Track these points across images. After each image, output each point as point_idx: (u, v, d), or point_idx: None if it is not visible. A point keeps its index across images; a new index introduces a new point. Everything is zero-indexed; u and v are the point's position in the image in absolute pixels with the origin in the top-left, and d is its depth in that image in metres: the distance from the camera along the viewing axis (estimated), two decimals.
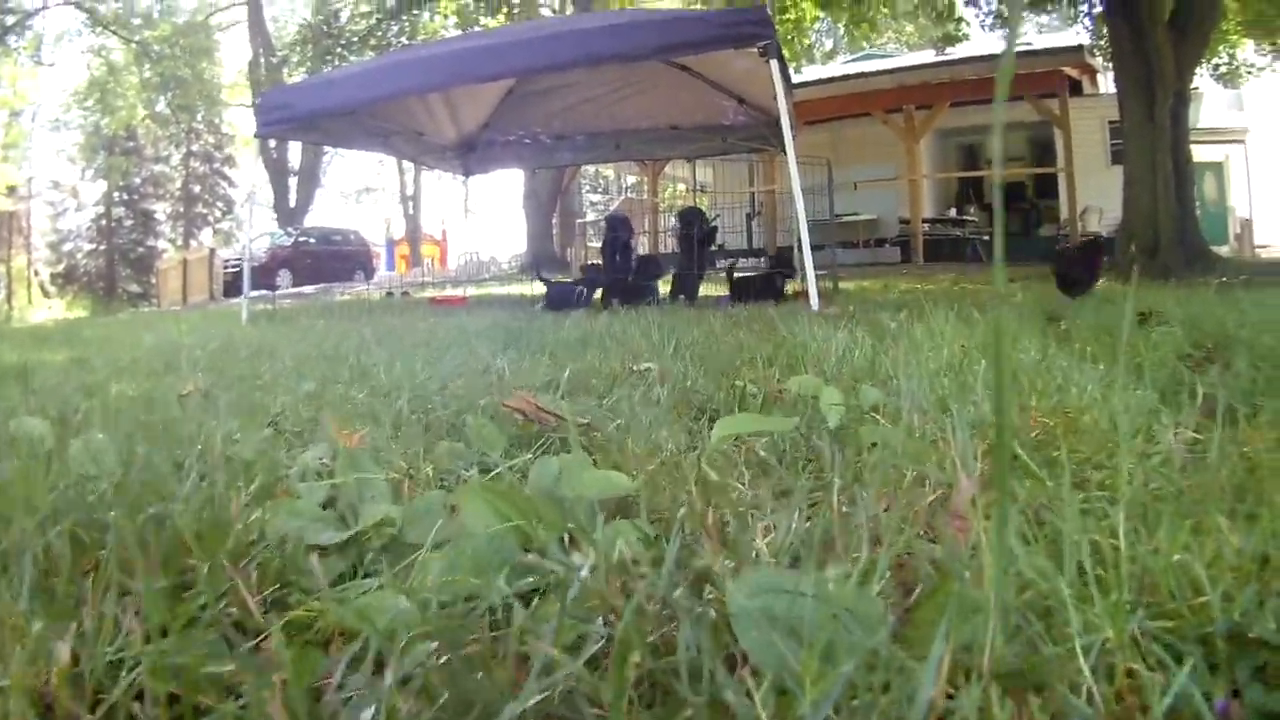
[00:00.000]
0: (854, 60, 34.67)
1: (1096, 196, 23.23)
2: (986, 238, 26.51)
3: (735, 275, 12.40)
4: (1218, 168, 31.61)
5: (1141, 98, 17.05)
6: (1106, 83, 25.90)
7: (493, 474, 2.11)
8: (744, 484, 1.90)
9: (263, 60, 50.54)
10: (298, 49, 48.72)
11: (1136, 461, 1.90)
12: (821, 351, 3.85)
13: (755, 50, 9.97)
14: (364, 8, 47.00)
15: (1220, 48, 27.34)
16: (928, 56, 29.74)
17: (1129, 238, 16.69)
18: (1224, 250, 25.25)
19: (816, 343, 4.19)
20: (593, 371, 3.68)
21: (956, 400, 2.44)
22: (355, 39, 45.38)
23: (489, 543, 1.51)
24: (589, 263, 17.99)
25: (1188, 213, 17.36)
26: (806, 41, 28.59)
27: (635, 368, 3.71)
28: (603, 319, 7.08)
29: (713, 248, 14.25)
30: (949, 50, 27.26)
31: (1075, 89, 27.32)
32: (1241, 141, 32.23)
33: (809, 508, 1.71)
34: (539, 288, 12.85)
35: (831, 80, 29.03)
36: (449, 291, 19.75)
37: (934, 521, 1.63)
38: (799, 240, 9.97)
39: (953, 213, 29.24)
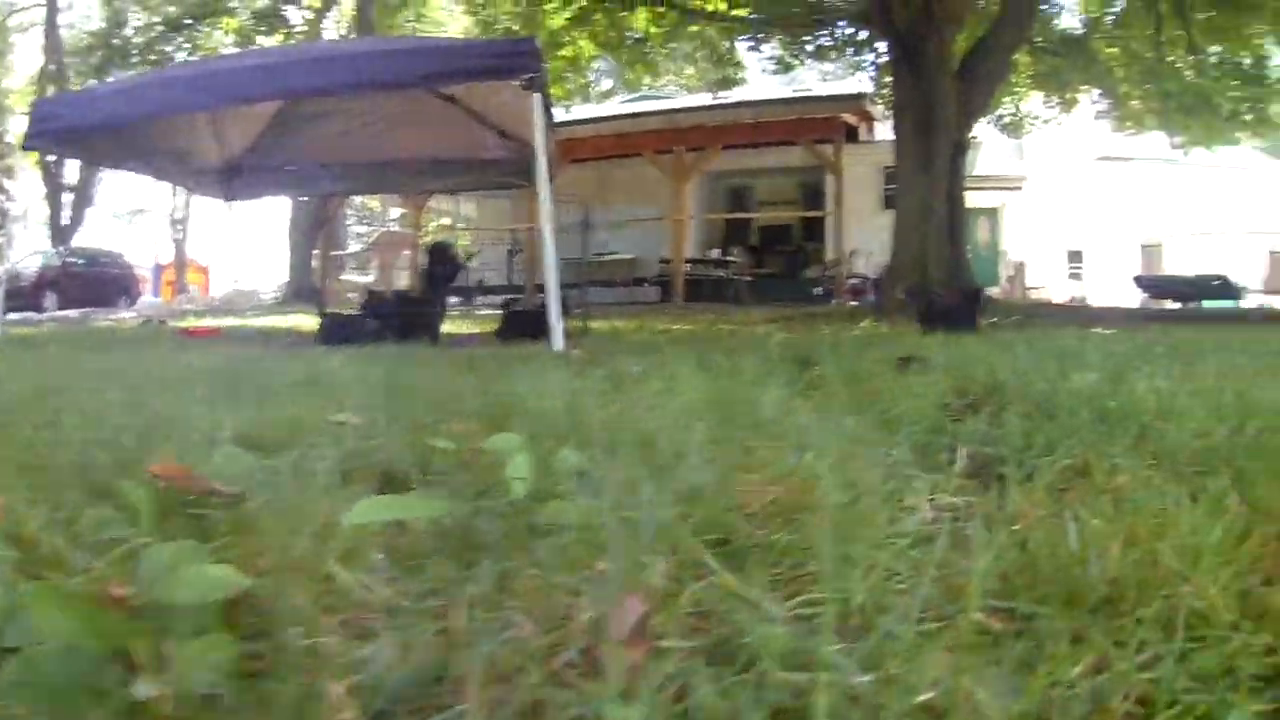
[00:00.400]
0: (630, 100, 34.77)
1: (866, 240, 23.82)
2: (749, 279, 26.89)
3: (511, 310, 12.17)
4: (994, 213, 33.27)
5: (920, 145, 17.39)
6: (885, 129, 26.39)
7: (115, 555, 1.68)
8: (382, 585, 1.50)
9: (52, 67, 48.79)
10: (80, 58, 47.05)
11: (878, 548, 1.56)
12: (543, 401, 3.46)
13: (520, 83, 9.77)
14: (153, 19, 45.56)
15: (1007, 99, 28.15)
16: (703, 99, 30.03)
17: (896, 280, 16.85)
18: (995, 292, 25.99)
19: (540, 391, 3.79)
20: (285, 423, 3.22)
21: (657, 475, 2.05)
22: (136, 51, 43.92)
23: (56, 661, 1.18)
24: (369, 294, 17.48)
25: (959, 256, 17.73)
26: (583, 80, 28.47)
27: (331, 419, 3.27)
28: (336, 359, 6.64)
29: (469, 284, 13.98)
30: (725, 94, 27.51)
31: (852, 135, 27.97)
32: (1019, 189, 33.85)
33: (432, 623, 1.33)
34: (297, 320, 12.35)
35: (603, 119, 29.22)
36: (206, 321, 19.00)
37: (594, 647, 1.26)
38: (547, 278, 9.71)
39: (715, 254, 29.41)
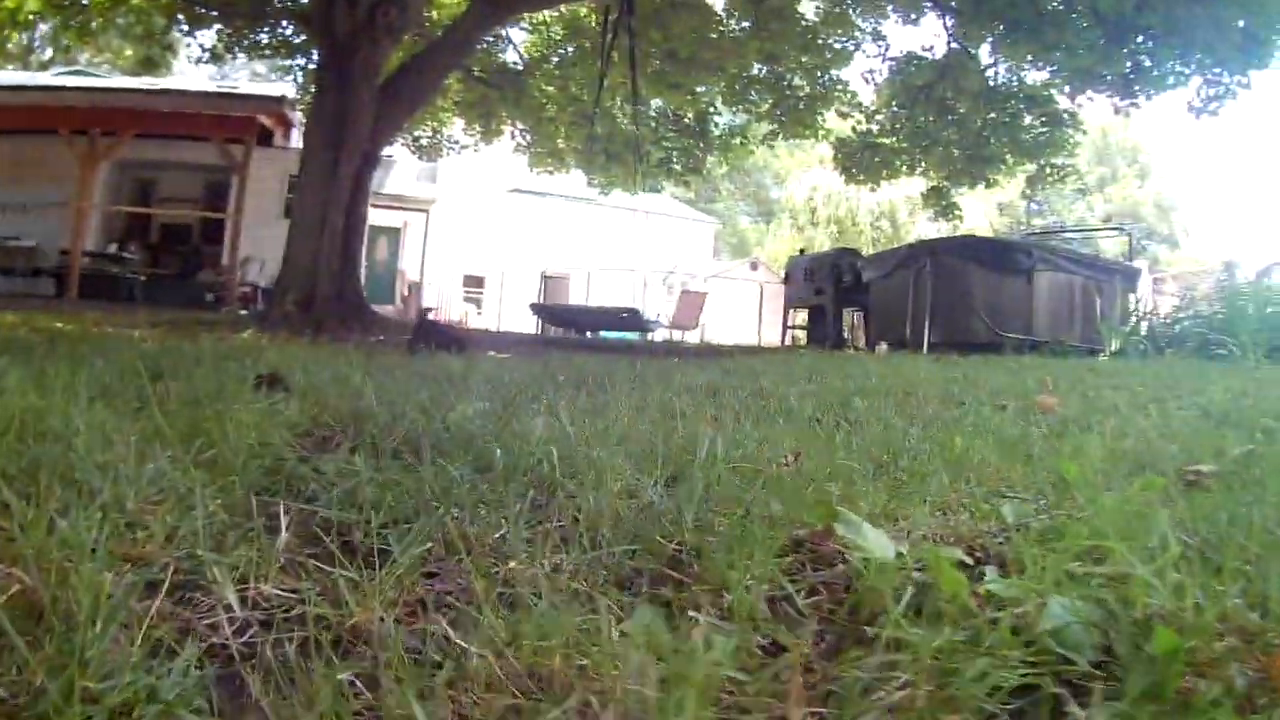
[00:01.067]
0: (63, 74, 32.49)
1: (264, 248, 23.47)
2: (144, 278, 25.81)
3: None
4: (397, 232, 34.36)
5: (328, 155, 16.93)
6: (299, 137, 25.81)
7: None
8: None
9: None
10: None
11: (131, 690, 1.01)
12: None
13: None
14: None
15: (430, 121, 28.24)
16: (125, 81, 28.62)
17: (285, 290, 16.38)
18: (390, 310, 26.12)
19: None
20: None
21: None
22: None
23: None
24: None
25: (352, 271, 17.47)
26: (20, 38, 26.13)
27: None
28: None
29: None
30: (151, 79, 26.20)
31: (267, 139, 27.86)
32: (426, 211, 35.22)
33: None
34: None
35: (21, 89, 27.02)
36: None
37: None
38: None
39: (114, 249, 27.88)
